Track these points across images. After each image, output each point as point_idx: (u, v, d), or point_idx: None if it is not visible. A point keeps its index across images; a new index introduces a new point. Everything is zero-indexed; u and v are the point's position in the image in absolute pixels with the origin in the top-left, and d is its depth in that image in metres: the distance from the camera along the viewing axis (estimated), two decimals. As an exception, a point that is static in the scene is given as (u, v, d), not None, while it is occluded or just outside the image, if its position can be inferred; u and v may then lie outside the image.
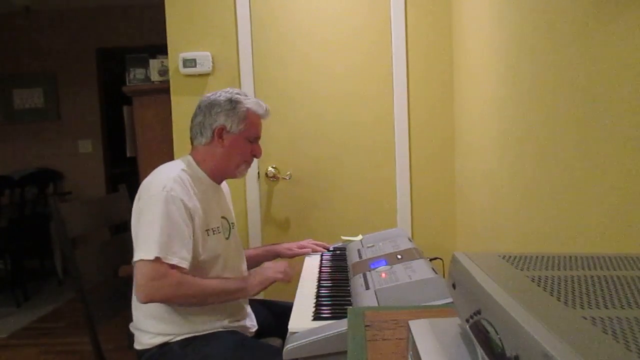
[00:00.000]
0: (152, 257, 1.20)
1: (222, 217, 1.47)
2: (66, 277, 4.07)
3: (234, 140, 1.44)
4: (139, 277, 1.22)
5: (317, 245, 1.78)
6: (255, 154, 1.50)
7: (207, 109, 1.43)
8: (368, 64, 2.25)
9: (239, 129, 1.43)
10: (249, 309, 1.52)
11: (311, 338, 0.98)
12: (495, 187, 1.62)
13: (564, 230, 1.10)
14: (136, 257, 1.23)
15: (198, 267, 1.33)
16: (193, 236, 1.30)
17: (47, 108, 4.68)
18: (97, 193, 4.60)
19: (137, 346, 1.35)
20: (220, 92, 1.46)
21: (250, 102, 1.45)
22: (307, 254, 1.74)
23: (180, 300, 1.29)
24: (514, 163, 1.43)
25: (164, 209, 1.25)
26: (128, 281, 1.31)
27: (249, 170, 2.17)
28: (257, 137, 1.50)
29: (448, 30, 2.20)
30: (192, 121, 1.46)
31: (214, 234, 1.39)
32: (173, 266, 1.23)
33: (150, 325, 1.32)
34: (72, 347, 2.82)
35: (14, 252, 3.80)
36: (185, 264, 1.25)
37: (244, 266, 1.55)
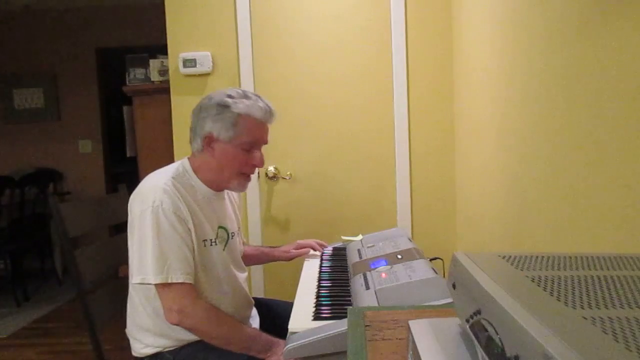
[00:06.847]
0: (156, 282, 1.18)
1: (220, 227, 1.36)
2: (66, 277, 4.07)
3: (224, 150, 1.29)
4: (170, 301, 1.20)
5: (317, 243, 1.73)
6: (255, 163, 1.32)
7: (197, 113, 1.31)
8: (368, 64, 2.25)
9: (228, 136, 1.27)
10: (254, 312, 1.51)
11: (311, 338, 0.98)
12: (495, 187, 1.62)
13: (565, 230, 1.10)
14: (136, 279, 1.21)
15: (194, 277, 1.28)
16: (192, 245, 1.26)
17: (47, 108, 4.67)
18: (97, 193, 4.60)
19: (133, 352, 1.34)
20: (215, 94, 1.31)
21: (243, 105, 1.28)
22: (305, 254, 1.70)
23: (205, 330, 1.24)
24: (514, 163, 1.43)
25: (154, 226, 1.19)
26: (128, 281, 1.31)
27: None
28: (256, 144, 1.32)
29: (448, 30, 2.20)
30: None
31: (211, 245, 1.31)
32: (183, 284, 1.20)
33: (143, 336, 1.30)
34: (72, 347, 2.82)
35: (14, 252, 3.79)
36: (190, 279, 1.21)
37: (243, 276, 1.47)
